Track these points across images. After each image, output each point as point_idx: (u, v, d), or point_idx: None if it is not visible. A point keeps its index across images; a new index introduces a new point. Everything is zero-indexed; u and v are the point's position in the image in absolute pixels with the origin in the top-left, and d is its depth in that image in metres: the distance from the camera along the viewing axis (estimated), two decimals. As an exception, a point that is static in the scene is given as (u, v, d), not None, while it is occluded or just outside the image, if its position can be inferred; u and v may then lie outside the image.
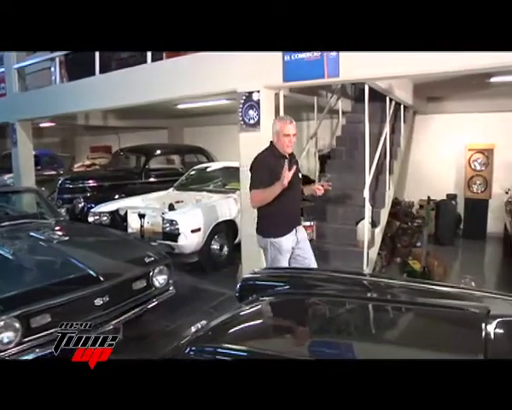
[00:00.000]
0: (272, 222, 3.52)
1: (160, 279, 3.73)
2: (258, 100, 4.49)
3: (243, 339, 2.01)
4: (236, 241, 5.88)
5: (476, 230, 8.07)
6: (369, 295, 2.39)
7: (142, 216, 5.94)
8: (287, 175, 3.21)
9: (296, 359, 1.54)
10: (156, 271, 3.70)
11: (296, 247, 3.61)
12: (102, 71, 6.26)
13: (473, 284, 5.94)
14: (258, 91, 4.49)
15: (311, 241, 5.52)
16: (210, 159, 9.62)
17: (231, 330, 2.10)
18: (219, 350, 1.79)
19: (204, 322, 2.14)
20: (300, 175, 3.67)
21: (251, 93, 4.54)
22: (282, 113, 4.86)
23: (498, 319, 1.85)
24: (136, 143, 10.38)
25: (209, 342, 1.93)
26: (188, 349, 1.84)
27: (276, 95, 4.76)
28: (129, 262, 3.68)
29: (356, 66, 3.88)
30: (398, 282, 2.56)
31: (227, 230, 5.96)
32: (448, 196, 8.21)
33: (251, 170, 3.55)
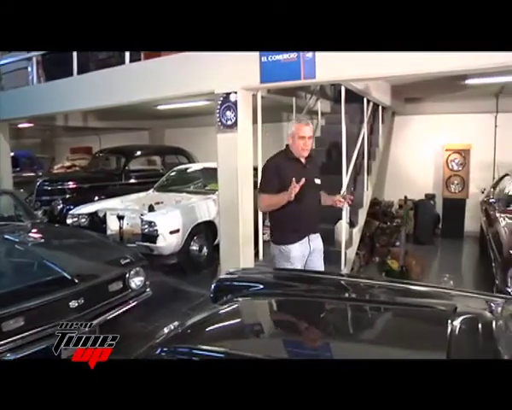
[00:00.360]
0: (282, 228, 3.35)
1: (136, 281, 3.72)
2: (236, 101, 4.50)
3: (216, 339, 2.01)
4: (216, 242, 5.88)
5: (454, 229, 8.21)
6: (341, 294, 2.42)
7: (120, 218, 5.91)
8: (294, 189, 3.00)
9: (269, 359, 1.55)
10: (132, 272, 3.68)
11: (309, 256, 3.40)
12: (80, 71, 6.21)
13: (451, 282, 6.07)
14: (236, 93, 4.51)
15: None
16: (191, 160, 9.61)
17: (204, 331, 2.11)
18: (191, 351, 1.79)
19: (176, 323, 2.14)
20: (319, 181, 3.44)
21: (228, 94, 4.55)
22: (259, 114, 4.89)
23: (464, 316, 1.91)
24: (117, 144, 10.30)
25: (181, 342, 1.94)
26: (159, 350, 1.85)
27: (254, 96, 4.79)
28: (105, 264, 3.66)
29: (332, 67, 3.92)
30: (371, 281, 2.60)
31: (206, 231, 5.96)
32: (427, 195, 8.33)
33: (261, 172, 3.47)
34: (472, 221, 8.01)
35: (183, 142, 10.41)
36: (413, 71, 3.83)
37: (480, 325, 1.80)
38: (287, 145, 3.38)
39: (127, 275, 3.63)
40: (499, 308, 1.91)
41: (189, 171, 7.74)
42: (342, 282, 2.64)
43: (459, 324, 1.83)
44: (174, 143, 10.77)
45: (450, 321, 1.83)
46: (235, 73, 4.47)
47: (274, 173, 3.27)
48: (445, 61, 3.46)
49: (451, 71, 3.94)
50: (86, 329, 3.14)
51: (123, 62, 5.63)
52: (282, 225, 3.33)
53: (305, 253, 3.36)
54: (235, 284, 2.69)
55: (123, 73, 5.67)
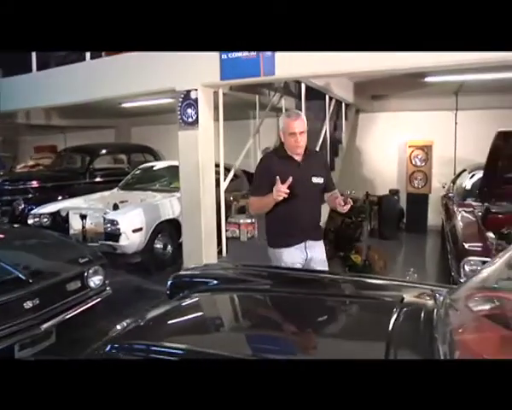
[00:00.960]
0: (274, 230, 3.10)
1: (95, 280, 3.67)
2: (196, 98, 4.50)
3: (170, 335, 2.02)
4: (181, 240, 5.85)
5: (418, 223, 8.41)
6: (297, 288, 2.44)
7: (83, 217, 5.83)
8: (279, 189, 2.73)
9: (218, 354, 1.57)
10: (91, 271, 3.64)
11: (306, 265, 3.05)
12: (41, 67, 6.09)
13: (416, 275, 6.21)
14: (196, 90, 4.50)
15: (252, 238, 5.64)
16: (158, 158, 9.52)
17: (158, 327, 2.11)
18: (144, 347, 1.80)
19: (129, 320, 2.13)
20: (321, 180, 3.08)
21: (189, 91, 4.55)
22: (221, 111, 4.89)
23: (408, 305, 1.98)
24: (83, 142, 10.13)
25: (134, 339, 1.93)
26: (109, 347, 1.84)
27: (216, 93, 4.79)
28: (62, 263, 3.60)
29: (291, 64, 3.95)
30: (326, 275, 2.65)
31: (170, 229, 5.92)
32: (391, 191, 8.50)
33: (254, 173, 3.24)
34: (435, 215, 8.19)
35: (150, 140, 10.31)
36: (372, 68, 3.90)
37: (422, 314, 1.87)
38: (281, 142, 3.11)
39: (85, 274, 3.59)
40: (441, 298, 1.97)
41: (154, 169, 7.68)
42: (300, 276, 2.67)
43: (403, 313, 1.90)
44: (141, 141, 10.66)
45: (395, 310, 1.90)
46: (195, 70, 4.46)
47: (264, 174, 3.02)
48: (403, 59, 3.51)
49: (410, 68, 4.04)
50: (42, 329, 3.12)
51: (84, 59, 5.55)
52: (274, 228, 3.10)
53: (300, 260, 3.03)
54: (193, 280, 2.69)
55: (84, 69, 5.59)
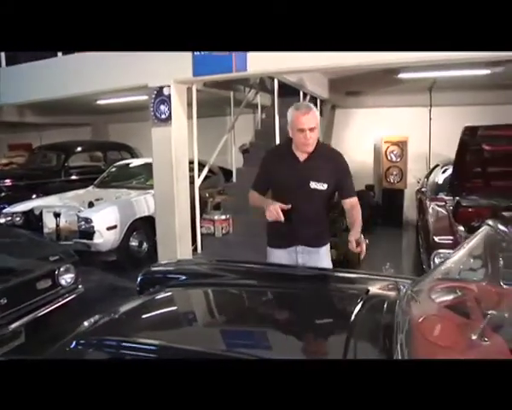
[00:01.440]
0: (268, 228, 2.90)
1: (66, 278, 3.64)
2: (169, 95, 4.48)
3: (139, 330, 2.02)
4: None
5: (394, 218, 8.52)
6: (266, 283, 2.46)
7: (57, 215, 5.75)
8: (271, 210, 2.52)
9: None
10: (62, 269, 3.60)
11: None
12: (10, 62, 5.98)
13: (392, 270, 6.28)
14: (169, 86, 4.49)
15: (227, 234, 5.64)
16: (134, 155, 9.45)
17: (126, 322, 2.11)
18: (110, 343, 1.79)
19: (97, 316, 2.12)
20: (323, 186, 2.66)
21: (162, 88, 4.53)
22: (195, 108, 4.88)
23: (373, 297, 2.02)
24: (59, 140, 9.98)
25: (101, 335, 1.92)
26: (74, 344, 1.83)
27: (189, 89, 4.78)
28: (32, 261, 3.56)
29: (263, 60, 3.95)
30: (296, 270, 2.66)
31: (146, 226, 5.89)
32: (367, 186, 8.59)
33: None
34: (410, 210, 8.32)
35: (128, 137, 10.22)
36: (343, 64, 3.93)
37: (385, 305, 1.91)
38: (288, 138, 2.77)
39: (56, 272, 3.55)
40: (404, 290, 2.02)
41: (130, 166, 7.62)
42: (271, 271, 2.67)
43: (367, 304, 1.95)
44: (119, 138, 10.56)
45: (359, 302, 1.94)
46: (168, 66, 4.44)
47: (263, 169, 2.84)
48: (375, 55, 3.52)
49: (382, 64, 4.08)
50: (9, 329, 3.08)
51: (56, 55, 5.46)
52: (268, 226, 2.88)
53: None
54: (166, 275, 2.69)
55: (57, 65, 5.50)
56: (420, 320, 1.61)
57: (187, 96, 4.75)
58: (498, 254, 1.99)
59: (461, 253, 2.28)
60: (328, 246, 2.92)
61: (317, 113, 2.68)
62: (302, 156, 2.69)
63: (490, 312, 1.58)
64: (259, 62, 4.01)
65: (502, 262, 2.03)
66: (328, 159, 2.74)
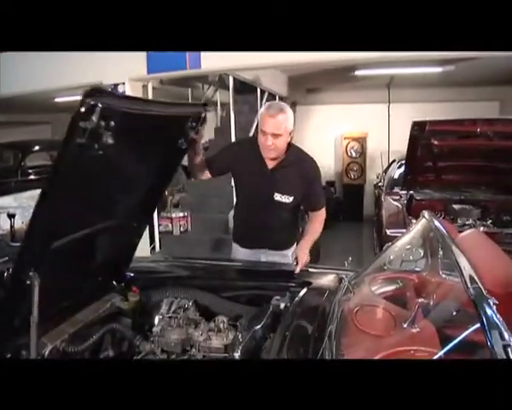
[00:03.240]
0: (235, 225, 2.88)
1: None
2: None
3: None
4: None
5: (354, 213, 8.70)
6: (218, 279, 2.45)
7: (11, 216, 5.59)
8: None
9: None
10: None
11: None
12: None
13: (349, 261, 6.36)
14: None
15: (185, 232, 5.63)
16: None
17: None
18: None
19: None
20: (288, 199, 2.51)
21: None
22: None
23: (314, 290, 2.06)
24: (17, 139, 9.70)
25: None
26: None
27: (145, 87, 4.73)
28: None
29: (216, 57, 3.94)
30: (243, 265, 2.66)
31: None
32: (327, 182, 8.71)
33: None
34: (370, 205, 8.48)
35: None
36: (297, 61, 3.95)
37: (324, 297, 1.95)
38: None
39: (6, 274, 3.46)
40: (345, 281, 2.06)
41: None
42: (222, 267, 2.66)
43: (307, 297, 1.98)
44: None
45: (300, 295, 1.98)
46: (122, 63, 4.37)
47: (225, 155, 2.67)
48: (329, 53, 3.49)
49: (336, 61, 4.14)
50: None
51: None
52: (234, 224, 2.88)
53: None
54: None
55: (10, 60, 5.33)
56: (353, 310, 1.65)
57: (143, 93, 4.70)
58: (437, 245, 2.04)
59: (402, 243, 2.35)
60: (294, 247, 2.74)
61: (290, 118, 2.39)
62: (270, 163, 2.49)
63: (420, 300, 1.64)
64: (213, 59, 4.01)
65: (441, 252, 2.09)
66: (299, 168, 2.51)
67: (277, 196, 2.50)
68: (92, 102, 1.24)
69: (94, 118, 1.26)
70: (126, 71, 4.43)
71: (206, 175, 2.60)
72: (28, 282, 1.44)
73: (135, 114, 1.47)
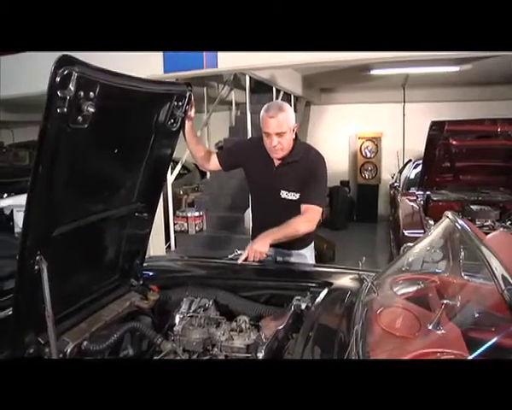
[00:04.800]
0: (252, 223, 2.89)
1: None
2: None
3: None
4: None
5: (368, 213, 8.63)
6: (229, 278, 2.42)
7: (28, 214, 5.65)
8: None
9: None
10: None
11: None
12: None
13: (363, 262, 6.32)
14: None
15: (201, 231, 5.63)
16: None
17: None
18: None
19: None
20: (295, 196, 2.47)
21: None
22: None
23: (336, 290, 2.04)
24: (32, 138, 9.79)
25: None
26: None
27: (161, 86, 4.73)
28: (-2, 262, 3.49)
29: (233, 56, 3.95)
30: (261, 266, 2.62)
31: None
32: (342, 182, 8.67)
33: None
34: (385, 205, 8.43)
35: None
36: (314, 60, 3.94)
37: (346, 297, 1.93)
38: None
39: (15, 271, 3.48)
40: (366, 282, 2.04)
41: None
42: (234, 267, 2.64)
43: (329, 297, 1.97)
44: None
45: (320, 294, 1.96)
46: (139, 63, 4.38)
47: (236, 152, 2.69)
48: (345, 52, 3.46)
49: (353, 60, 4.10)
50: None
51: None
52: (252, 223, 2.90)
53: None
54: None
55: (24, 60, 5.37)
56: (377, 311, 1.63)
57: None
58: (459, 246, 2.01)
59: (423, 244, 2.33)
60: (311, 246, 2.72)
61: (290, 115, 2.39)
62: (276, 161, 2.48)
63: (445, 301, 1.62)
64: (230, 59, 4.01)
65: (462, 254, 2.05)
66: (305, 163, 2.47)
67: (284, 194, 2.48)
68: (66, 71, 1.24)
69: (71, 87, 1.26)
70: (142, 70, 4.43)
71: (215, 166, 2.66)
72: (36, 267, 1.43)
73: (115, 86, 1.47)
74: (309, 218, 2.43)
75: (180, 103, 1.89)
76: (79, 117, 1.33)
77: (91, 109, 1.32)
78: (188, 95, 1.93)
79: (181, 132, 2.12)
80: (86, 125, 1.36)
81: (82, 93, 1.29)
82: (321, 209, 2.48)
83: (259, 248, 2.25)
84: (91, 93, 1.33)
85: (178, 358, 1.76)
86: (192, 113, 2.12)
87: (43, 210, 1.41)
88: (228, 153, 2.69)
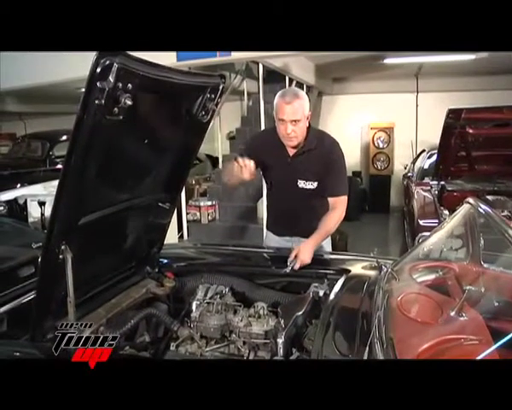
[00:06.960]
0: (268, 212, 2.87)
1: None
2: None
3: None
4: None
5: (381, 204, 8.58)
6: (241, 264, 2.41)
7: (42, 204, 5.68)
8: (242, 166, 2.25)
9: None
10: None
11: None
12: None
13: (375, 253, 6.29)
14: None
15: (213, 220, 5.63)
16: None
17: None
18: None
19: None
20: (312, 185, 2.43)
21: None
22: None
23: (354, 277, 2.02)
24: (44, 129, 9.85)
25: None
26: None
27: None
28: (13, 249, 3.50)
29: (246, 44, 3.93)
30: (276, 253, 2.61)
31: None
32: (354, 173, 8.61)
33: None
34: (397, 196, 8.37)
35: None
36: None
37: (365, 284, 1.91)
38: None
39: (40, 259, 3.50)
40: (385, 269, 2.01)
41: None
42: (245, 254, 2.65)
43: (348, 284, 1.95)
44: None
45: (338, 281, 1.94)
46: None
47: (251, 150, 2.55)
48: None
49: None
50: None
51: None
52: (268, 211, 2.87)
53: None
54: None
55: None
56: (399, 298, 1.61)
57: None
58: (479, 233, 1.99)
59: (442, 232, 2.29)
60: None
61: (306, 102, 2.33)
62: (291, 150, 2.43)
63: (468, 288, 1.59)
64: (243, 47, 3.98)
65: (482, 241, 2.02)
66: (320, 151, 2.42)
67: (301, 183, 2.44)
68: (108, 62, 1.23)
69: (111, 78, 1.25)
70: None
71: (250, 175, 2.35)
72: (61, 256, 1.44)
73: (152, 78, 1.46)
74: (340, 213, 2.42)
75: (213, 96, 1.83)
76: (116, 109, 1.32)
77: (129, 102, 1.31)
78: (221, 87, 1.87)
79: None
80: (121, 117, 1.34)
81: (120, 85, 1.29)
82: (346, 197, 2.46)
83: (307, 259, 2.17)
84: (130, 85, 1.32)
85: (178, 358, 1.74)
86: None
87: (73, 200, 1.40)
88: (249, 156, 2.39)
